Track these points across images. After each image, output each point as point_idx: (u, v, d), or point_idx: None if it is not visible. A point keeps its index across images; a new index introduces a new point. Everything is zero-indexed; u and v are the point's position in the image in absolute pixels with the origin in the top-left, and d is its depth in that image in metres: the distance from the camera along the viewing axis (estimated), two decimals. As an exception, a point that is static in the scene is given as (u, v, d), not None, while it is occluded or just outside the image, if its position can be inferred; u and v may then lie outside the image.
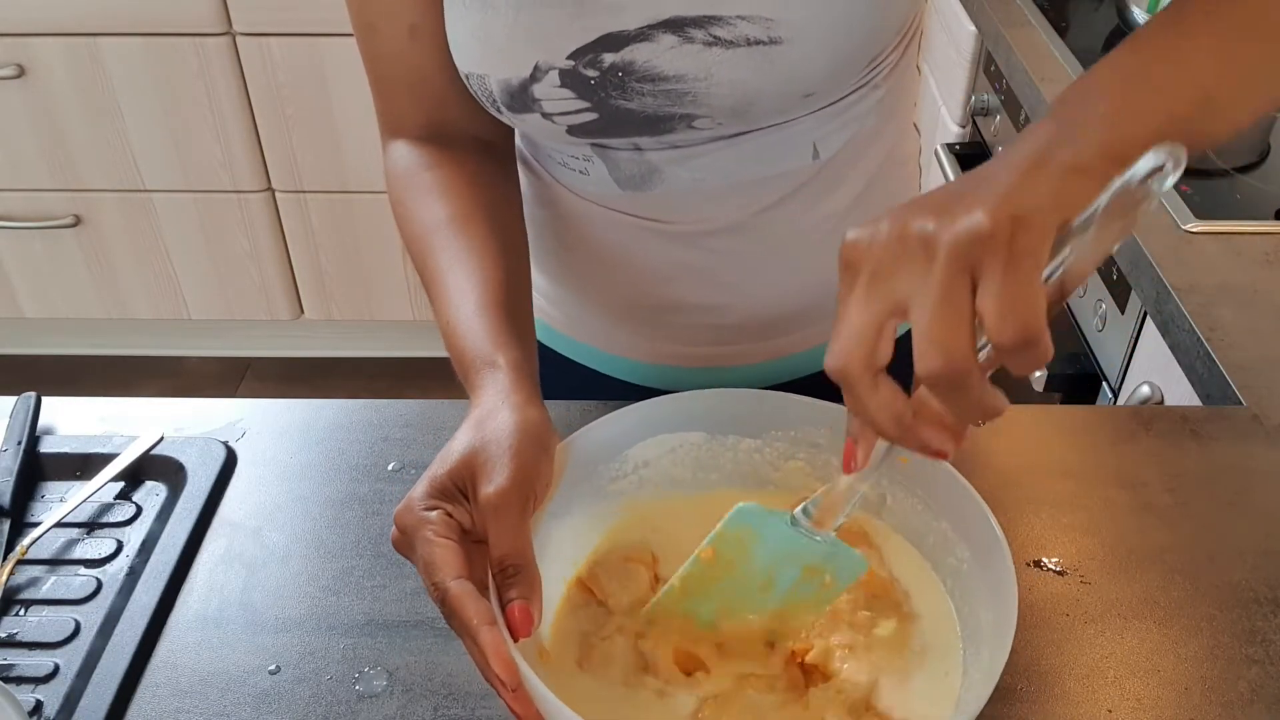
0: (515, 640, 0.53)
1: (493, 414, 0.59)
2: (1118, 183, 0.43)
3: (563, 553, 0.65)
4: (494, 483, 0.55)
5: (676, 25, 0.68)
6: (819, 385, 0.68)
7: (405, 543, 0.57)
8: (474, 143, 0.79)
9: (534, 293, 0.89)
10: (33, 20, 2.08)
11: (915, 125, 0.87)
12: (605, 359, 0.93)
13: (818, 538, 0.59)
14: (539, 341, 0.94)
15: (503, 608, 0.54)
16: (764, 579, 0.61)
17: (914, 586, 0.65)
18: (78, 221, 2.31)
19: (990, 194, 0.44)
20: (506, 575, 0.54)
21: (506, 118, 0.75)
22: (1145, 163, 0.43)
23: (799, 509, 0.59)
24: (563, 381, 0.92)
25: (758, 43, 0.67)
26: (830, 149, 0.77)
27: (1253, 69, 0.55)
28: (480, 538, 0.56)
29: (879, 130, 0.80)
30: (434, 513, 0.56)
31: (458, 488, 0.57)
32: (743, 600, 0.62)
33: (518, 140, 0.85)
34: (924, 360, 0.44)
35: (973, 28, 1.74)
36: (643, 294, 0.85)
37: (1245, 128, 0.55)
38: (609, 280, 0.86)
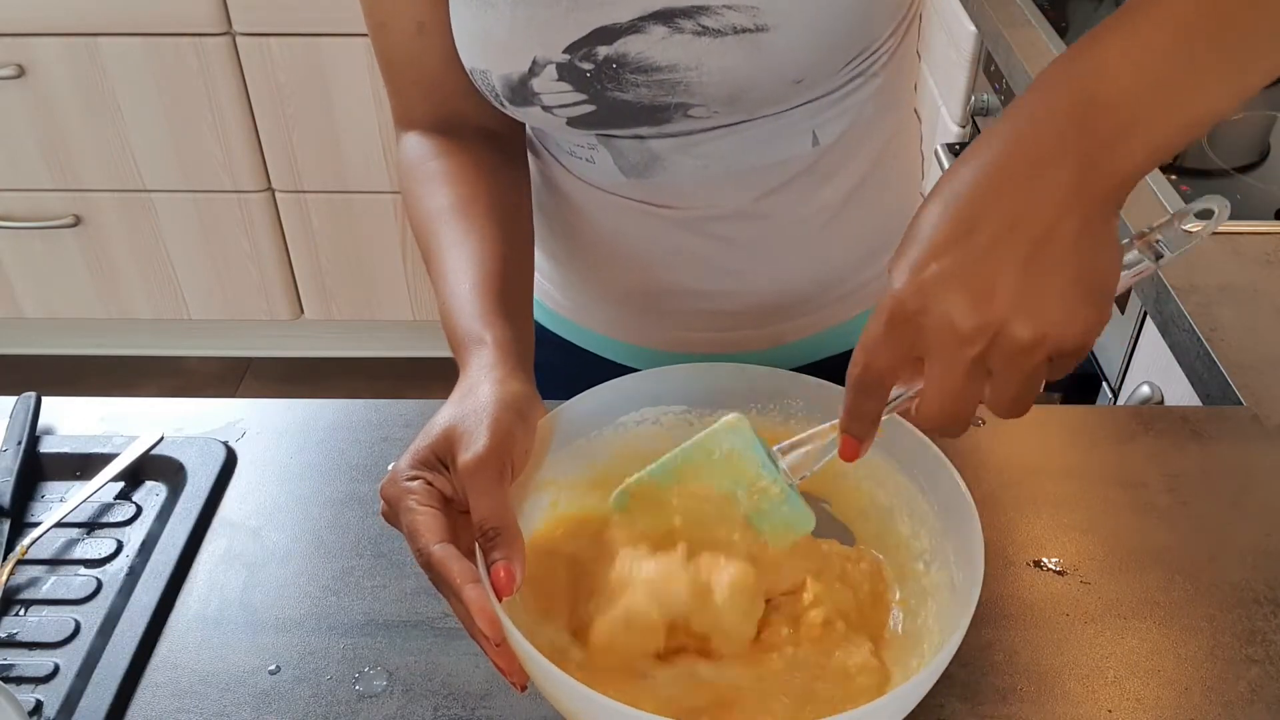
0: (500, 600, 0.55)
1: (474, 388, 0.61)
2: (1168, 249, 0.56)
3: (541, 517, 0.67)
4: (471, 450, 0.57)
5: (666, 16, 0.69)
6: (816, 373, 0.69)
7: (391, 514, 0.59)
8: (483, 134, 0.80)
9: (538, 277, 0.90)
10: (33, 20, 2.07)
11: (915, 111, 0.88)
12: (607, 344, 0.94)
13: (784, 481, 0.61)
14: (543, 326, 0.94)
15: (488, 569, 0.56)
16: (728, 494, 0.62)
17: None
18: (78, 221, 2.31)
19: (1023, 301, 0.51)
20: (488, 538, 0.56)
21: (510, 111, 0.77)
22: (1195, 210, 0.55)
23: (781, 445, 0.62)
24: (564, 367, 0.93)
25: (745, 30, 0.69)
26: (830, 136, 0.78)
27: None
28: (464, 507, 0.58)
29: (878, 118, 0.81)
30: (416, 482, 0.58)
31: (439, 459, 0.59)
32: (709, 509, 0.63)
33: (528, 129, 0.86)
34: (930, 421, 0.53)
35: (973, 28, 1.74)
36: (645, 279, 0.87)
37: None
38: (612, 264, 0.88)
